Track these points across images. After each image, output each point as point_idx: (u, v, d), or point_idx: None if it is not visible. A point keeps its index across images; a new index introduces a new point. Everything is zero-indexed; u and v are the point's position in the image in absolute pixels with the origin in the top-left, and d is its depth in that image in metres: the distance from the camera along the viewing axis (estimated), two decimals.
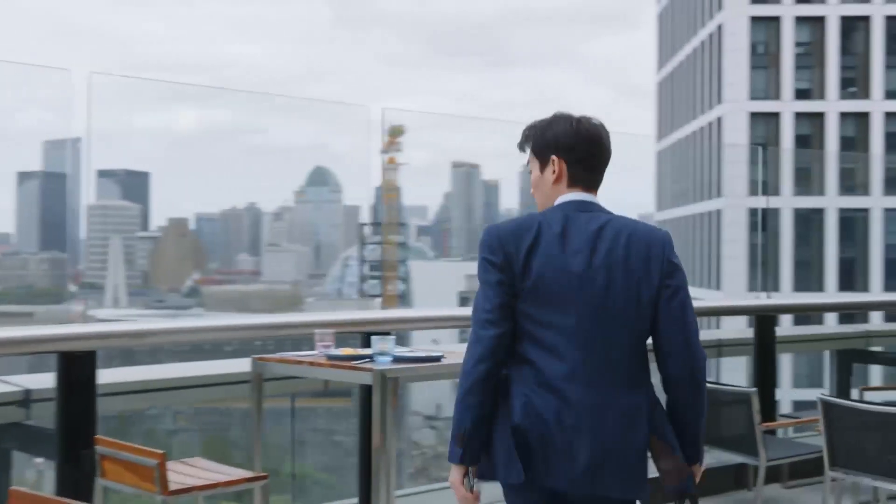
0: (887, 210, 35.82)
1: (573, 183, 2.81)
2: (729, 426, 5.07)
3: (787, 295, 32.08)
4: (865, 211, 36.11)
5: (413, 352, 4.13)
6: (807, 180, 36.62)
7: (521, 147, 2.92)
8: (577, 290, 2.66)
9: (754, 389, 5.02)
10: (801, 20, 37.31)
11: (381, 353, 3.93)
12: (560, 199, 2.80)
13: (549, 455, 2.62)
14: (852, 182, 36.92)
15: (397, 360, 3.92)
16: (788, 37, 37.11)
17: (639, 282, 2.68)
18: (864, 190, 36.44)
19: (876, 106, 36.31)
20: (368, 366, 3.88)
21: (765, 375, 6.16)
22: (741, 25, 36.93)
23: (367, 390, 4.34)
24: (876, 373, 9.71)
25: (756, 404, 4.94)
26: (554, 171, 2.82)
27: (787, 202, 35.04)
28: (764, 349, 6.22)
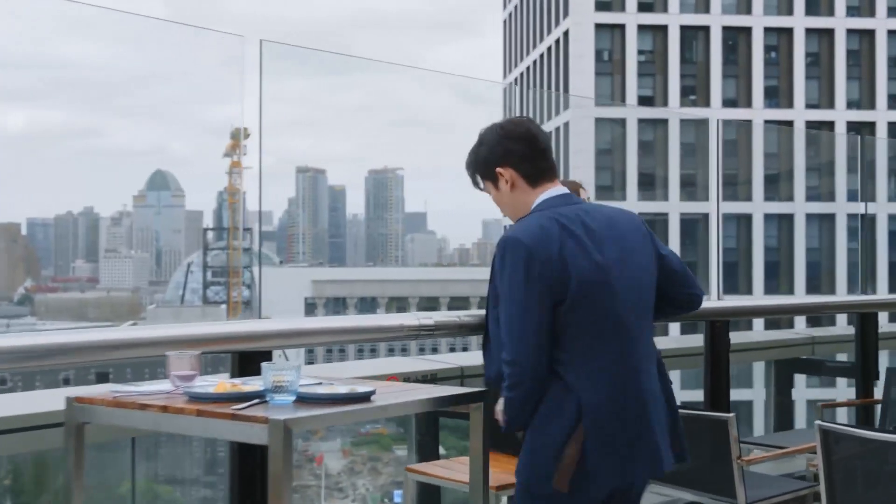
0: (725, 216, 36.86)
1: (535, 181, 2.77)
2: (696, 459, 3.79)
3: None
4: (706, 216, 37.12)
5: (324, 383, 2.56)
6: (650, 185, 37.42)
7: (476, 184, 2.86)
8: (614, 284, 2.64)
9: (731, 415, 3.92)
10: (643, 28, 38.17)
11: (279, 390, 2.37)
12: (536, 202, 2.75)
13: (623, 450, 2.64)
14: (693, 187, 37.92)
15: (304, 399, 2.38)
16: (632, 44, 37.88)
17: (649, 263, 2.75)
18: (704, 195, 37.47)
19: (714, 113, 37.39)
20: (261, 413, 2.26)
21: (718, 392, 4.87)
22: (586, 32, 37.47)
23: (250, 450, 2.87)
24: (801, 383, 8.82)
25: (734, 432, 3.88)
26: (507, 181, 2.77)
27: (632, 206, 35.67)
28: (717, 359, 4.86)
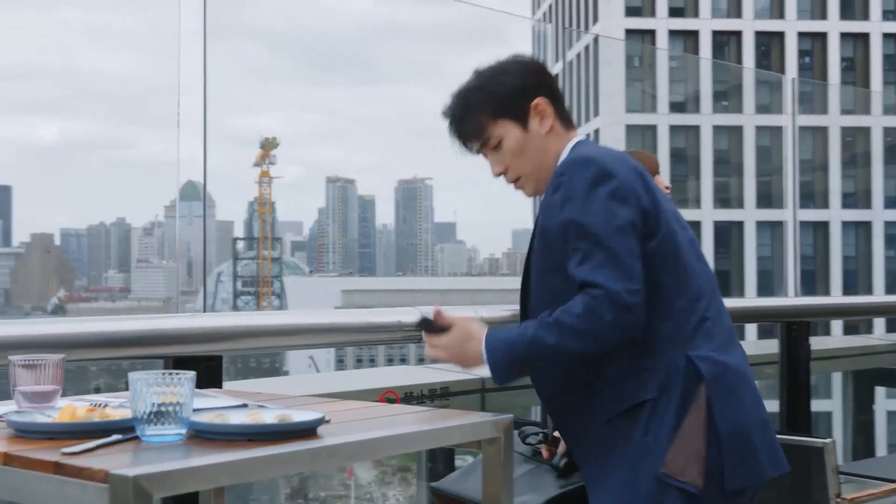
0: (760, 223, 36.38)
1: (567, 124, 2.16)
2: (776, 491, 2.98)
3: None
4: (740, 224, 36.63)
5: (251, 407, 1.73)
6: (682, 192, 36.99)
7: (468, 133, 2.15)
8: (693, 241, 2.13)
9: (830, 441, 3.04)
10: (674, 33, 37.76)
11: (159, 417, 1.46)
12: (567, 148, 2.12)
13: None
14: (727, 195, 37.43)
15: (201, 433, 1.49)
16: (663, 50, 37.50)
17: None
18: (738, 203, 36.97)
19: (747, 120, 36.92)
20: (104, 462, 1.32)
21: (795, 408, 4.09)
22: (617, 38, 37.13)
23: None
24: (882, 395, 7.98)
25: (833, 461, 3.02)
26: (542, 118, 2.12)
27: None
28: (794, 369, 4.10)
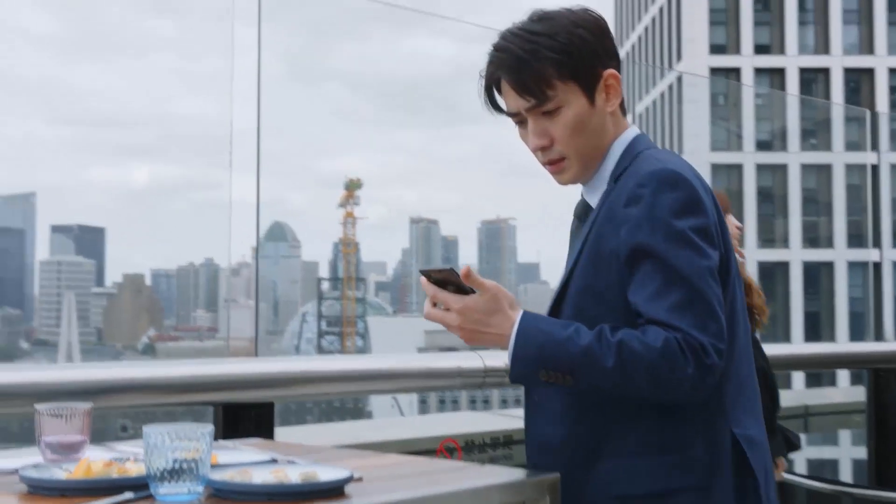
0: (851, 263, 35.53)
1: (623, 110, 1.78)
2: None
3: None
4: (830, 264, 35.82)
5: (280, 462, 1.64)
6: (770, 232, 36.35)
7: (535, 83, 1.68)
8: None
9: None
10: (760, 71, 37.31)
11: (174, 474, 1.36)
12: (626, 138, 1.76)
13: None
14: (816, 235, 36.68)
15: (220, 493, 1.41)
16: (749, 88, 37.06)
17: None
18: (827, 242, 36.19)
19: (837, 158, 36.22)
20: None
21: (885, 459, 3.86)
22: (701, 76, 36.83)
23: None
24: None
25: None
26: (609, 94, 1.73)
27: (751, 254, 34.67)
28: (882, 418, 3.86)
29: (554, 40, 1.68)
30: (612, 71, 1.72)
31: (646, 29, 43.34)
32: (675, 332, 1.55)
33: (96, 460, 1.48)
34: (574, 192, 1.92)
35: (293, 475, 1.44)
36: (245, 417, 2.12)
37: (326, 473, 1.44)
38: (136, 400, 2.07)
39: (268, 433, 2.14)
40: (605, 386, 1.57)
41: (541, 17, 1.71)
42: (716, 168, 36.36)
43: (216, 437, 2.14)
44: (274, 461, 1.62)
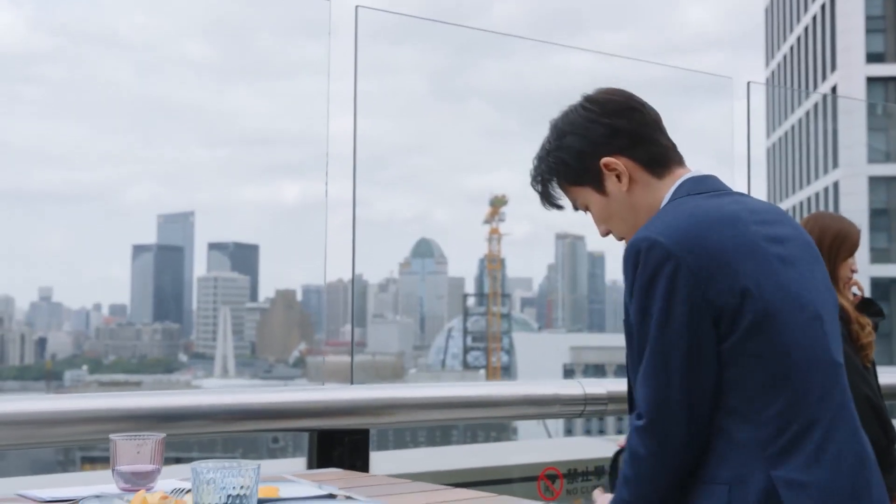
0: None
1: (660, 168, 1.84)
2: None
3: None
4: None
5: (339, 498, 1.64)
6: None
7: (551, 200, 1.94)
8: (822, 315, 1.77)
9: None
10: None
11: None
12: (667, 196, 1.82)
13: None
14: None
15: None
16: None
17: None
18: None
19: None
20: None
21: None
22: (857, 86, 35.60)
23: None
24: None
25: None
26: (619, 176, 1.84)
27: None
28: None
29: (550, 159, 1.89)
30: (605, 159, 1.83)
31: (798, 38, 42.18)
32: (636, 416, 1.72)
33: (155, 492, 1.50)
34: None
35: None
36: (340, 444, 2.14)
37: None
38: (235, 427, 2.09)
39: (361, 460, 2.14)
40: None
41: (548, 133, 1.91)
42: (873, 181, 35.05)
43: (310, 464, 2.16)
44: (331, 496, 1.60)
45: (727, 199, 1.79)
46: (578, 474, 3.10)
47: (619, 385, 2.30)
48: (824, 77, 38.05)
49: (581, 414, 2.30)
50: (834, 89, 36.53)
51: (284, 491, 1.60)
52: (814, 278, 1.78)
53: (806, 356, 1.71)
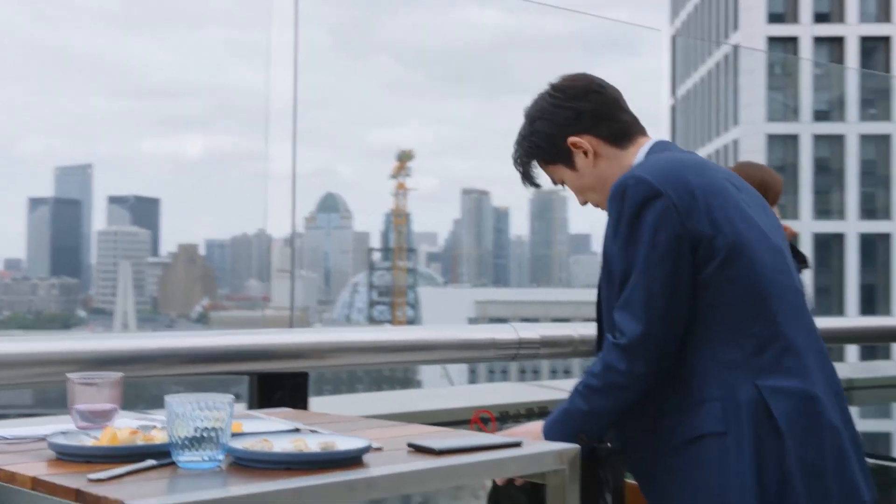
0: None
1: (623, 140, 2.07)
2: None
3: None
4: (887, 236, 35.23)
5: (303, 432, 1.65)
6: (826, 204, 35.82)
7: (531, 179, 2.17)
8: (782, 249, 2.01)
9: None
10: (819, 40, 36.63)
11: (195, 442, 1.40)
12: (639, 157, 2.04)
13: None
14: (873, 206, 36.07)
15: (239, 460, 1.44)
16: (807, 57, 36.42)
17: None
18: (885, 214, 35.58)
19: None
20: (122, 490, 1.28)
21: None
22: (758, 45, 36.25)
23: None
24: None
25: None
26: (585, 152, 2.07)
27: (806, 226, 34.21)
28: None
29: (525, 143, 2.12)
30: (571, 139, 2.06)
31: None
32: (614, 333, 1.89)
33: (123, 428, 1.52)
34: None
35: (312, 444, 1.47)
36: (280, 387, 2.16)
37: (345, 443, 1.48)
38: (174, 370, 2.09)
39: (302, 403, 2.16)
40: (603, 420, 1.93)
41: (524, 119, 2.14)
42: (772, 139, 35.87)
43: (251, 406, 2.17)
44: (297, 430, 1.65)
45: (693, 155, 2.05)
46: (510, 417, 3.20)
47: (552, 330, 2.44)
48: (727, 36, 38.64)
49: (514, 357, 2.41)
50: (736, 48, 37.15)
51: (248, 426, 1.63)
52: (770, 221, 2.01)
53: (776, 281, 1.91)
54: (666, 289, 1.85)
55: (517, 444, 1.58)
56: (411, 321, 72.49)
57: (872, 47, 36.70)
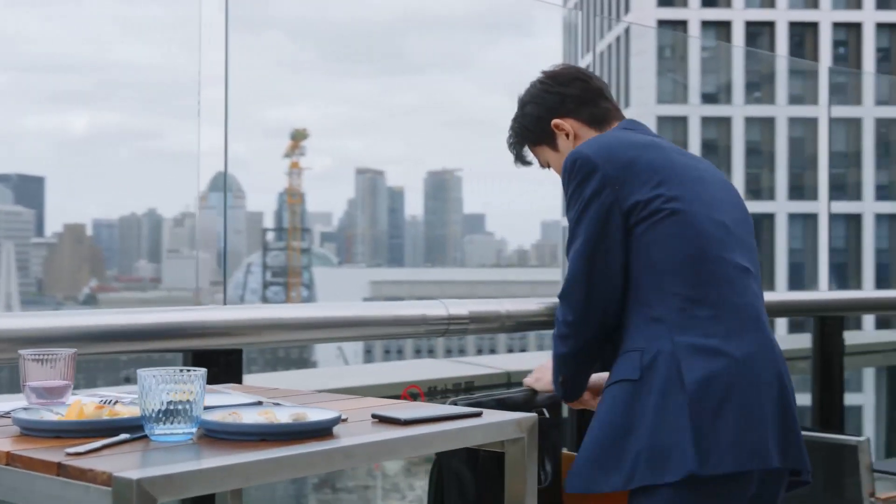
0: (791, 215, 36.05)
1: (601, 123, 2.26)
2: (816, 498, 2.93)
3: None
4: (771, 216, 36.32)
5: (265, 405, 1.66)
6: None
7: (523, 158, 2.39)
8: (725, 215, 2.17)
9: (865, 438, 2.92)
10: (707, 24, 37.46)
11: (169, 415, 1.40)
12: None
13: None
14: (758, 187, 37.14)
15: (212, 432, 1.45)
16: (695, 40, 37.21)
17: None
18: (769, 194, 36.66)
19: (780, 111, 36.59)
20: (107, 463, 1.28)
21: (829, 405, 3.97)
22: (648, 29, 36.89)
23: None
24: None
25: (867, 459, 2.89)
26: (567, 134, 2.27)
27: None
28: (827, 365, 3.94)
29: (516, 126, 2.33)
30: (555, 121, 2.26)
31: None
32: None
33: (87, 402, 1.51)
34: None
35: (282, 416, 1.49)
36: (215, 363, 2.15)
37: (315, 414, 1.49)
38: (108, 348, 2.07)
39: (236, 379, 2.19)
40: (568, 362, 2.14)
41: (517, 104, 2.34)
42: (661, 120, 36.57)
43: None
44: (260, 403, 1.67)
45: (656, 138, 2.19)
46: (438, 392, 3.24)
47: (481, 306, 2.52)
48: (618, 18, 39.21)
49: (444, 333, 2.47)
50: (627, 31, 37.73)
51: (212, 400, 1.62)
52: (725, 200, 2.14)
53: (714, 248, 2.03)
54: (593, 249, 2.03)
55: (478, 414, 1.64)
56: (306, 301, 71.97)
57: (757, 32, 37.70)
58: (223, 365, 2.17)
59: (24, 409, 1.54)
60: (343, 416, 1.55)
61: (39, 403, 1.61)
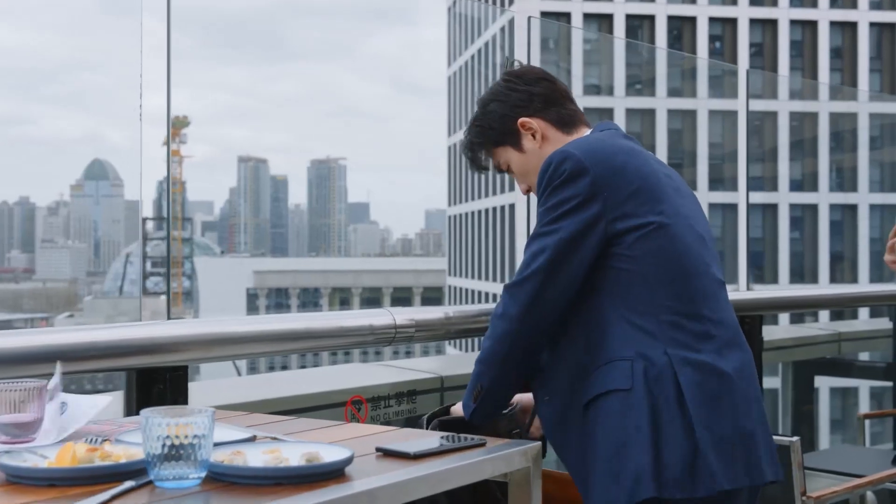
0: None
1: (569, 126, 2.19)
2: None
3: None
4: None
5: (260, 440, 1.58)
6: None
7: (480, 163, 2.27)
8: (695, 226, 2.11)
9: (796, 439, 2.93)
10: (589, 16, 38.04)
11: (174, 457, 1.28)
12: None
13: None
14: None
15: (221, 477, 1.34)
16: (577, 33, 37.72)
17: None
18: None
19: (660, 103, 37.42)
20: None
21: None
22: (532, 20, 37.28)
23: None
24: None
25: (798, 458, 2.92)
26: (534, 135, 2.18)
27: None
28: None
29: (476, 126, 2.22)
30: (521, 120, 2.16)
31: None
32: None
33: (78, 444, 1.36)
34: (408, 134, 2.14)
35: (292, 457, 1.37)
36: (160, 381, 2.09)
37: (328, 453, 1.39)
38: (45, 370, 1.91)
39: (182, 397, 2.14)
40: (491, 373, 2.04)
41: (477, 105, 2.25)
42: None
43: (129, 402, 2.12)
44: (254, 438, 1.57)
45: (632, 142, 2.11)
46: (381, 399, 3.22)
47: (426, 314, 2.51)
48: (503, 9, 39.49)
49: (391, 342, 2.46)
50: (511, 22, 38.04)
51: None
52: (698, 212, 2.10)
53: (696, 264, 2.00)
54: (564, 249, 1.95)
55: (482, 445, 1.59)
56: (188, 292, 70.70)
57: (637, 25, 38.44)
58: (169, 382, 2.11)
59: (6, 453, 1.39)
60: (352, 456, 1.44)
61: (8, 442, 1.46)
